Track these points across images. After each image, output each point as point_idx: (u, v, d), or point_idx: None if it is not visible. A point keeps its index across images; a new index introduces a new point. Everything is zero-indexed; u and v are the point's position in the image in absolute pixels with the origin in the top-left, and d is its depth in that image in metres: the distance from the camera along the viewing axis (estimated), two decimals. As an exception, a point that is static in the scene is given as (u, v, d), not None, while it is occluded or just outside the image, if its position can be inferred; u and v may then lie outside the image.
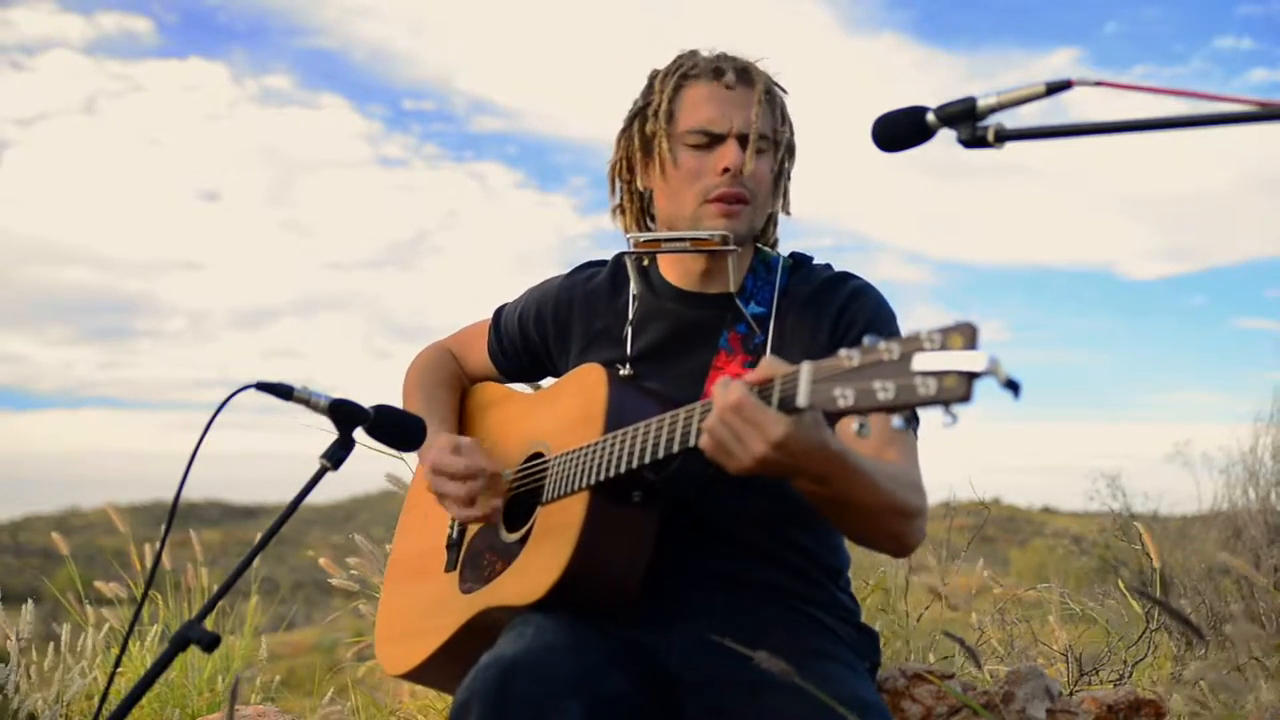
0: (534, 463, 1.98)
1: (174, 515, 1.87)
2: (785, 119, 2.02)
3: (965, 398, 1.21)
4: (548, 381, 2.25)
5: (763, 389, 1.47)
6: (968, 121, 1.38)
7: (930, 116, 1.42)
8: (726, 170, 1.92)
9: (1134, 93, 1.31)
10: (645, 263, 2.10)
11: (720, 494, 1.87)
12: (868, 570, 3.40)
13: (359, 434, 1.82)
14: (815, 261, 2.07)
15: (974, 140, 1.38)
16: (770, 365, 1.48)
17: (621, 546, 1.80)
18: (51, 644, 3.86)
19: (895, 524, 1.72)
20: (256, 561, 1.88)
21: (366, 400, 1.84)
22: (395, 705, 3.55)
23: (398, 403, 2.33)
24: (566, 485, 1.83)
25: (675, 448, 1.64)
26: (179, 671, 3.69)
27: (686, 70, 1.99)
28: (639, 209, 2.09)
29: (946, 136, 1.42)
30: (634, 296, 2.08)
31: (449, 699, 3.14)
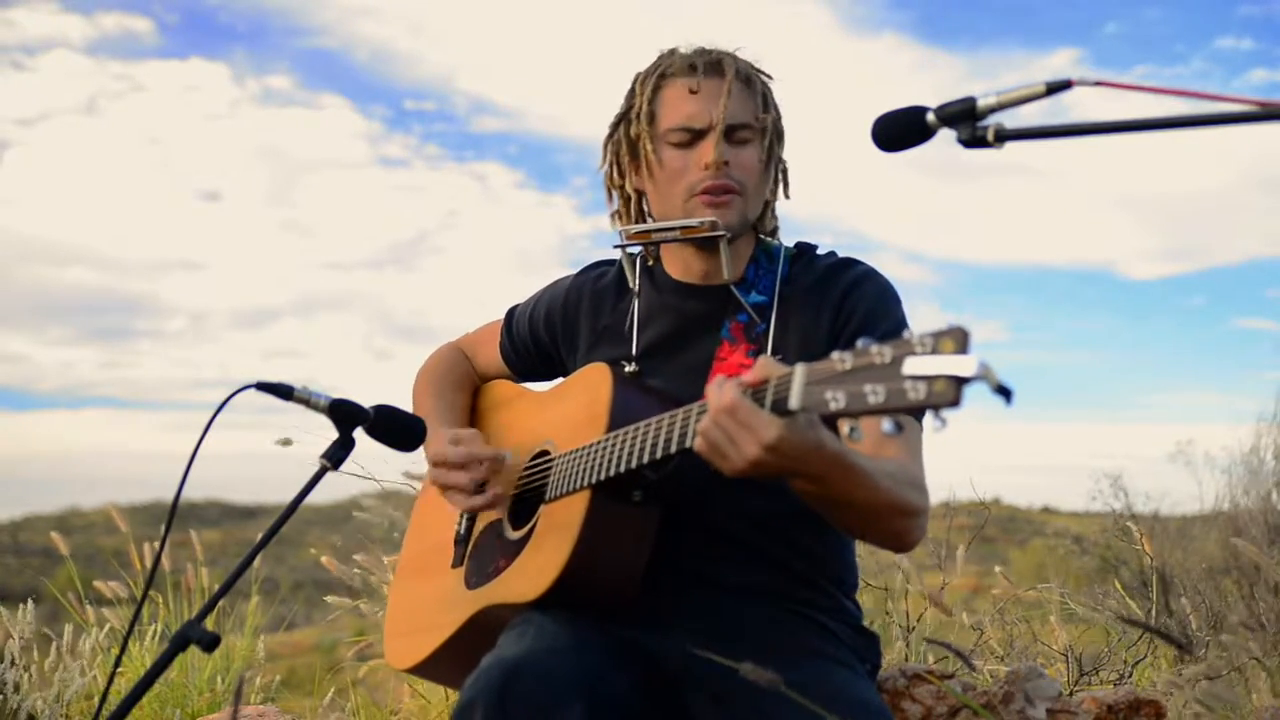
0: (539, 461, 1.99)
1: (174, 515, 1.87)
2: (768, 104, 2.00)
3: (954, 402, 1.21)
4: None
5: (756, 391, 1.47)
6: (968, 121, 1.38)
7: (930, 116, 1.42)
8: (709, 165, 1.92)
9: (1134, 93, 1.31)
10: (650, 261, 2.10)
11: (722, 495, 1.87)
12: (870, 573, 3.40)
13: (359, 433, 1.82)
14: (820, 250, 2.07)
15: (974, 140, 1.38)
16: (765, 366, 1.48)
17: (622, 545, 1.80)
18: (53, 644, 3.86)
19: (895, 522, 1.72)
20: (256, 561, 1.88)
21: (367, 400, 1.85)
22: (395, 705, 3.55)
23: (401, 402, 2.34)
24: (569, 484, 1.84)
25: (673, 448, 1.64)
26: (179, 671, 3.69)
27: (664, 70, 1.99)
28: (635, 211, 2.09)
29: (946, 136, 1.41)
30: (635, 293, 2.08)
31: (449, 699, 3.15)
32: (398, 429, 1.90)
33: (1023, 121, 1.36)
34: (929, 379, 1.22)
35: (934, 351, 1.23)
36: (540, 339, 2.22)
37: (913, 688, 2.20)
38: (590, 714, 1.60)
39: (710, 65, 1.96)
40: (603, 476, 1.76)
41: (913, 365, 1.24)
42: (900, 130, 1.46)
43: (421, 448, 2.10)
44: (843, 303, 1.94)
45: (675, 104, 1.96)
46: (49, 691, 3.56)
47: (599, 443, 1.80)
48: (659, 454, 1.67)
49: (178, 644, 1.61)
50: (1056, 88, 1.34)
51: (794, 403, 1.37)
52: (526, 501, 1.99)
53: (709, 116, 1.93)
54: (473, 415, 2.33)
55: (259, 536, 1.78)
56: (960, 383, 1.21)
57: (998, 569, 3.55)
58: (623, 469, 1.73)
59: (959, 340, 1.23)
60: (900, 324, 1.94)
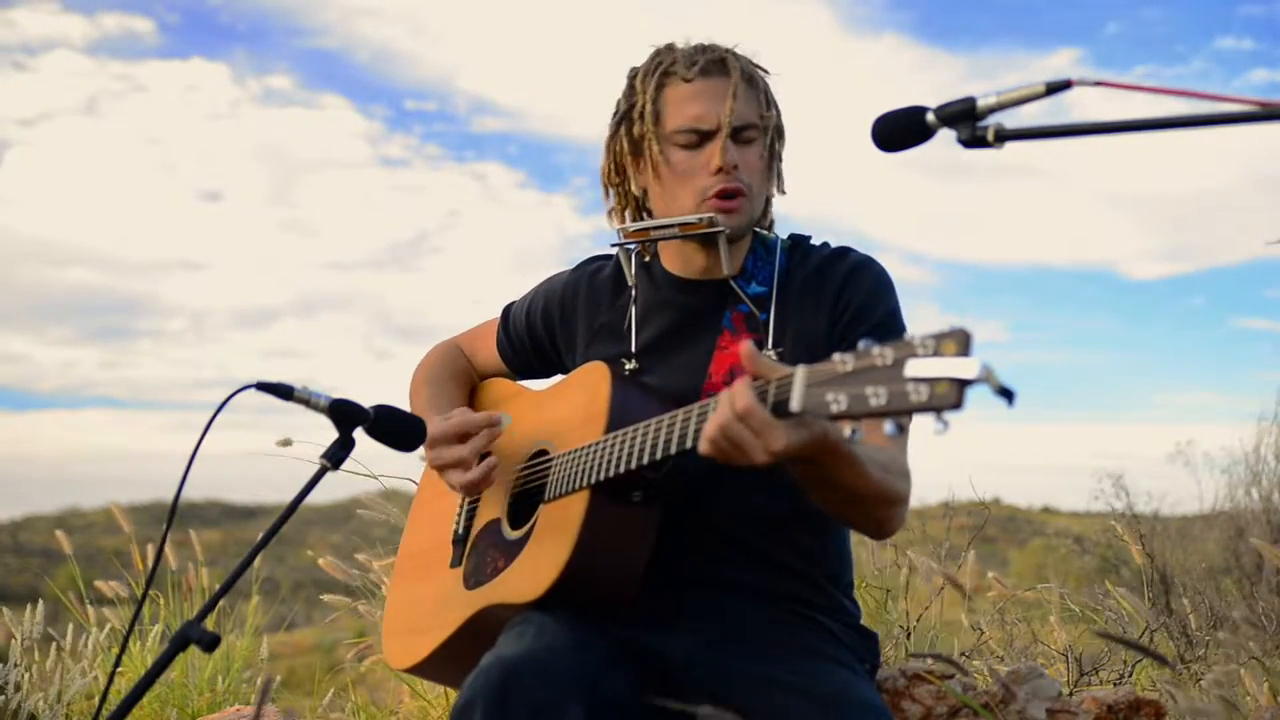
0: (538, 460, 1.99)
1: (174, 515, 1.87)
2: (770, 101, 2.00)
3: (956, 405, 1.21)
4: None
5: (759, 391, 1.47)
6: (967, 121, 1.38)
7: (930, 116, 1.42)
8: (720, 170, 1.92)
9: (1134, 93, 1.31)
10: (647, 258, 2.10)
11: (722, 495, 1.87)
12: (871, 573, 3.40)
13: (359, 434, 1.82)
14: (813, 241, 2.06)
15: (974, 140, 1.38)
16: (767, 367, 1.48)
17: (621, 545, 1.80)
18: (53, 644, 3.86)
19: (879, 510, 1.73)
20: (256, 561, 1.88)
21: (367, 400, 1.84)
22: (395, 705, 3.55)
23: (400, 401, 2.34)
24: (568, 484, 1.84)
25: (673, 449, 1.64)
26: (179, 671, 3.70)
27: (666, 68, 1.97)
28: (634, 210, 2.08)
29: (946, 136, 1.41)
30: (633, 290, 2.08)
31: (449, 699, 3.14)
32: (398, 429, 1.90)
33: (1023, 121, 1.36)
34: (931, 381, 1.22)
35: (936, 353, 1.23)
36: (537, 335, 2.22)
37: (913, 688, 2.20)
38: (590, 714, 1.60)
39: (714, 64, 1.95)
40: (602, 477, 1.76)
41: (915, 367, 1.24)
42: (900, 130, 1.46)
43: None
44: (840, 292, 1.94)
45: (680, 104, 1.95)
46: (49, 691, 3.56)
47: (598, 443, 1.80)
48: (659, 454, 1.67)
49: (178, 644, 1.61)
50: (1056, 88, 1.33)
51: (795, 405, 1.37)
52: (525, 501, 1.99)
53: (716, 117, 1.92)
54: None
55: (259, 536, 1.78)
56: (962, 385, 1.21)
57: (990, 574, 3.54)
58: (622, 469, 1.73)
59: (961, 342, 1.23)
60: (894, 312, 1.95)
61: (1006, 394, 1.20)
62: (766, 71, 2.02)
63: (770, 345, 1.93)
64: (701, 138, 1.94)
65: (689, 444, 1.61)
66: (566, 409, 1.99)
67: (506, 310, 2.31)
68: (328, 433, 1.81)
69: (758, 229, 2.05)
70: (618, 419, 1.81)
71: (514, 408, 2.22)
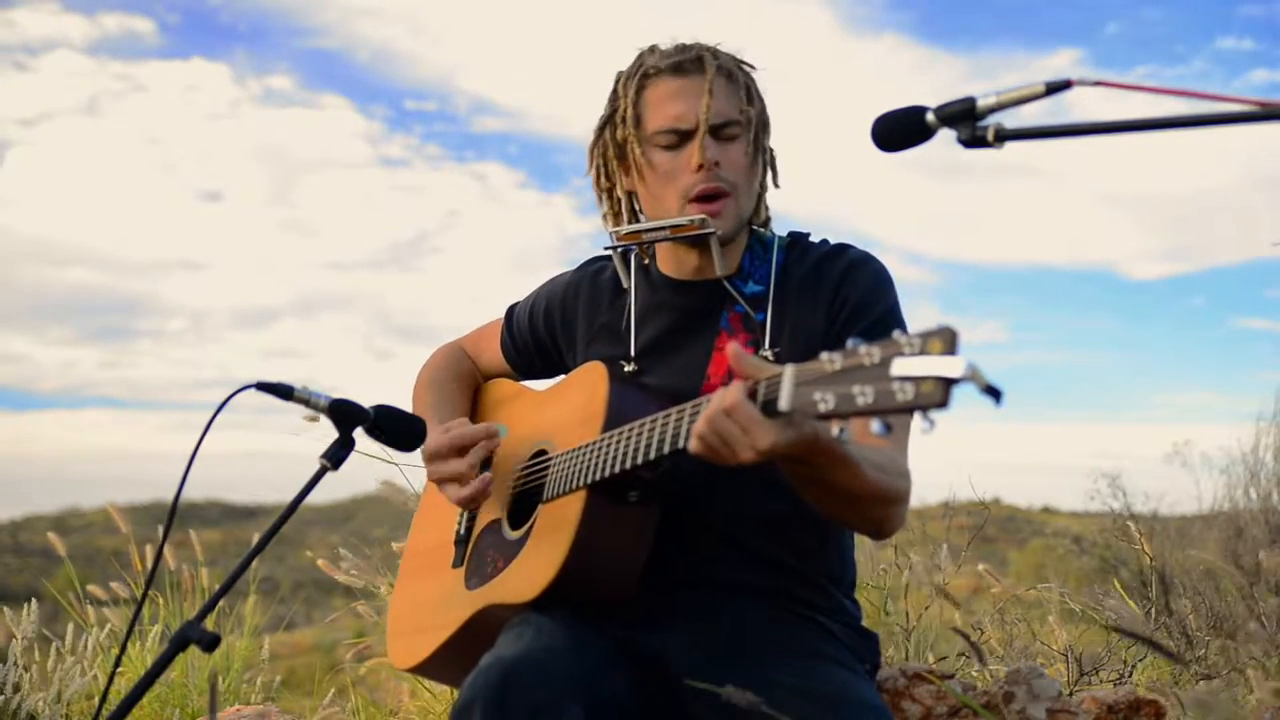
0: (537, 460, 1.99)
1: (174, 515, 1.87)
2: (752, 96, 1.99)
3: (942, 404, 1.20)
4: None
5: (748, 390, 1.47)
6: (967, 121, 1.38)
7: (930, 116, 1.42)
8: (701, 167, 1.92)
9: (1134, 93, 1.31)
10: (645, 261, 2.10)
11: (721, 495, 1.87)
12: (870, 573, 3.40)
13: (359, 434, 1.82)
14: (812, 239, 2.06)
15: (974, 140, 1.38)
16: (756, 367, 1.48)
17: (618, 545, 1.80)
18: (53, 644, 3.86)
19: (877, 510, 1.72)
20: (256, 561, 1.88)
21: (367, 400, 1.85)
22: (395, 705, 3.55)
23: (402, 403, 2.34)
24: (566, 484, 1.84)
25: (667, 448, 1.64)
26: (179, 671, 3.69)
27: (646, 70, 1.97)
28: (627, 213, 2.08)
29: (946, 136, 1.41)
30: (631, 292, 2.08)
31: (449, 700, 3.14)
32: (398, 429, 1.90)
33: (1023, 121, 1.36)
34: (917, 380, 1.22)
35: (922, 352, 1.23)
36: (540, 335, 2.22)
37: (913, 688, 2.20)
38: (589, 714, 1.60)
39: (690, 62, 1.95)
40: (599, 477, 1.76)
41: (901, 366, 1.24)
42: (900, 130, 1.46)
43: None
44: (838, 289, 1.93)
45: (659, 105, 1.95)
46: (49, 691, 3.56)
47: (595, 443, 1.80)
48: (653, 454, 1.67)
49: (178, 644, 1.61)
50: (1056, 88, 1.33)
51: (784, 404, 1.37)
52: (525, 501, 1.99)
53: (694, 117, 1.92)
54: (473, 414, 2.33)
55: (259, 536, 1.78)
56: (948, 384, 1.20)
57: (981, 566, 3.54)
58: (618, 469, 1.73)
59: (947, 341, 1.22)
60: (893, 309, 1.94)
61: (993, 392, 1.20)
62: (752, 67, 2.01)
63: (767, 346, 1.93)
64: (681, 137, 1.93)
65: (682, 443, 1.61)
66: (565, 409, 1.99)
67: (510, 310, 2.32)
68: (328, 433, 1.81)
69: (754, 227, 2.05)
70: (615, 419, 1.81)
71: (515, 408, 2.22)
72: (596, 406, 1.86)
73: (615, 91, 2.02)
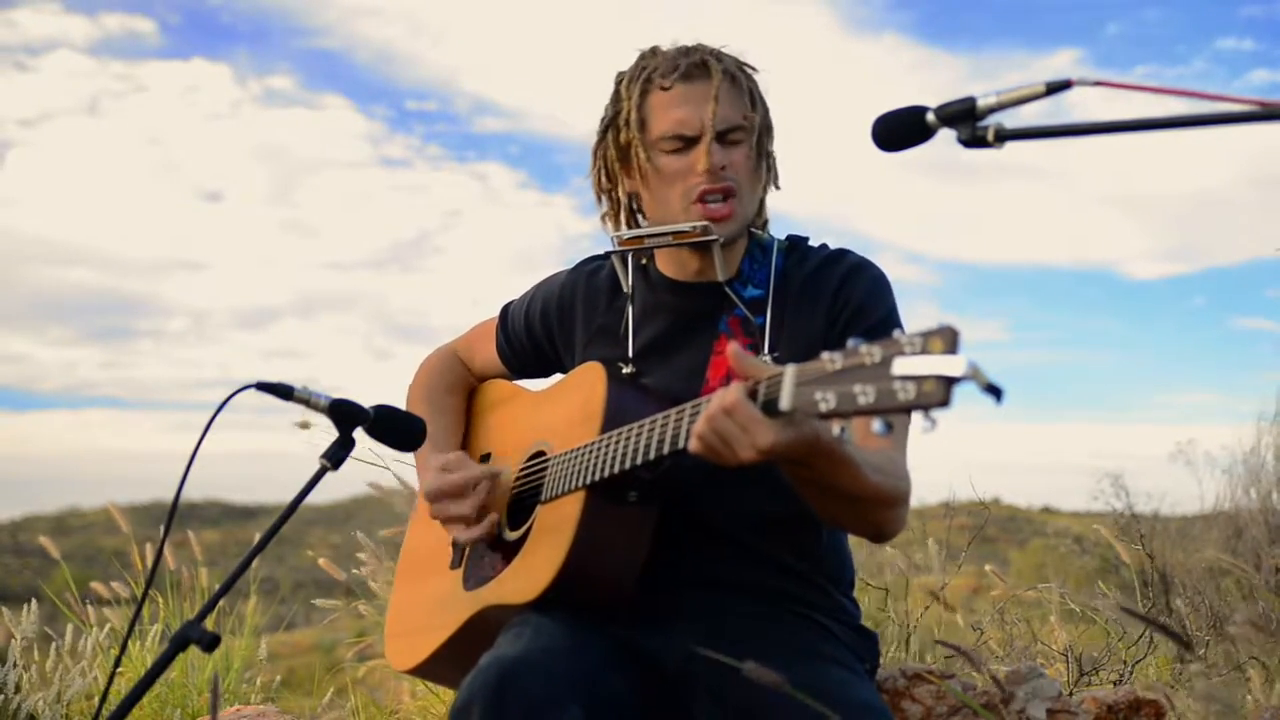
0: (535, 461, 1.99)
1: (174, 515, 1.86)
2: (755, 100, 1.99)
3: (944, 403, 1.20)
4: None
5: (749, 390, 1.47)
6: (967, 121, 1.38)
7: (930, 116, 1.42)
8: (707, 172, 1.91)
9: (1134, 93, 1.31)
10: (644, 261, 2.10)
11: (721, 495, 1.87)
12: (870, 573, 3.40)
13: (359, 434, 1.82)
14: (810, 243, 2.06)
15: (974, 140, 1.38)
16: (756, 367, 1.48)
17: (618, 546, 1.80)
18: (53, 644, 3.86)
19: (876, 512, 1.72)
20: (256, 561, 1.88)
21: (367, 400, 1.84)
22: (395, 705, 3.55)
23: (402, 403, 2.33)
24: (564, 484, 1.84)
25: (666, 448, 1.64)
26: (179, 671, 3.69)
27: (650, 73, 1.97)
28: (627, 214, 2.08)
29: (946, 136, 1.41)
30: (629, 295, 2.08)
31: (449, 699, 3.14)
32: (398, 429, 1.90)
33: (1023, 121, 1.36)
34: (918, 379, 1.22)
35: (923, 351, 1.23)
36: (536, 335, 2.22)
37: (913, 688, 2.20)
38: (588, 714, 1.60)
39: (696, 67, 1.94)
40: (597, 477, 1.76)
41: (902, 365, 1.24)
42: (900, 130, 1.46)
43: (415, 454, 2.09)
44: (837, 294, 1.93)
45: (664, 110, 1.94)
46: (49, 691, 3.56)
47: (593, 443, 1.80)
48: (652, 454, 1.67)
49: (178, 644, 1.61)
50: (1056, 88, 1.33)
51: (784, 404, 1.37)
52: (523, 502, 1.99)
53: (699, 122, 1.92)
54: (469, 417, 2.33)
55: (259, 536, 1.78)
56: (949, 383, 1.20)
57: (988, 567, 3.54)
58: (617, 469, 1.73)
59: (948, 340, 1.22)
60: (891, 313, 1.94)
61: (994, 391, 1.20)
62: (754, 69, 2.01)
63: (766, 350, 1.93)
64: (686, 143, 1.93)
65: (681, 443, 1.60)
66: (563, 409, 1.99)
67: (505, 310, 2.31)
68: (329, 433, 1.81)
69: (753, 230, 2.05)
70: (613, 419, 1.81)
71: (512, 409, 2.22)
72: (595, 407, 1.86)
73: (618, 94, 2.01)
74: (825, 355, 1.33)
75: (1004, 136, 1.36)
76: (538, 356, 2.23)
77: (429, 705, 3.31)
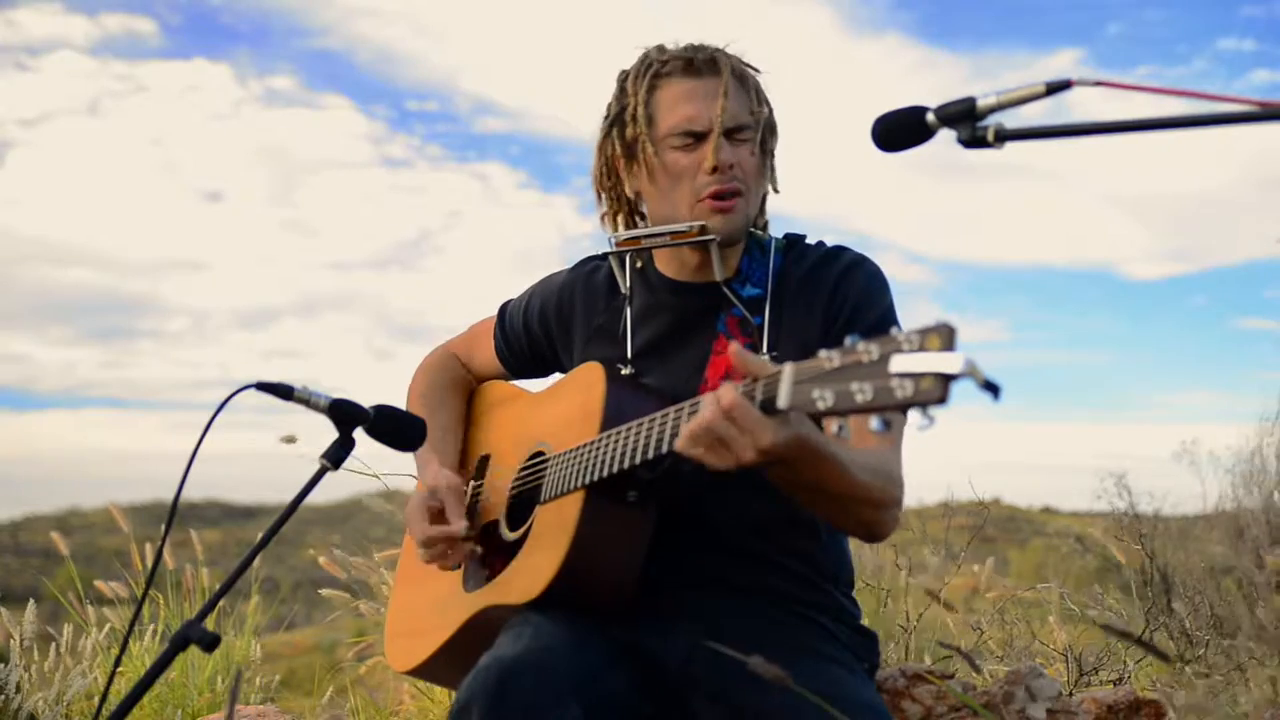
0: (535, 461, 1.98)
1: (174, 515, 1.86)
2: (761, 99, 1.99)
3: (941, 400, 1.21)
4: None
5: (745, 388, 1.47)
6: (968, 121, 1.38)
7: (930, 116, 1.42)
8: (715, 169, 1.92)
9: (1134, 93, 1.31)
10: (639, 263, 2.09)
11: (721, 496, 1.87)
12: (870, 573, 3.39)
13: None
14: (808, 241, 2.06)
15: (974, 140, 1.38)
16: (758, 365, 1.48)
17: (617, 546, 1.80)
18: (53, 644, 3.86)
19: (866, 513, 1.72)
20: (256, 561, 1.88)
21: (367, 400, 1.84)
22: (395, 706, 3.55)
23: (402, 403, 2.33)
24: (563, 485, 1.83)
25: (665, 447, 1.64)
26: (179, 671, 3.69)
27: (657, 69, 1.97)
28: (628, 213, 2.08)
29: (947, 136, 1.41)
30: (627, 294, 2.07)
31: (449, 699, 3.14)
32: (398, 429, 1.90)
33: (1023, 121, 1.36)
34: (915, 376, 1.22)
35: (920, 348, 1.23)
36: (534, 335, 2.22)
37: (913, 688, 2.20)
38: (588, 713, 1.60)
39: (705, 63, 1.95)
40: (596, 477, 1.76)
41: (899, 363, 1.24)
42: (901, 130, 1.46)
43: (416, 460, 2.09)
44: (835, 291, 1.94)
45: (673, 105, 1.94)
46: (49, 691, 3.56)
47: (592, 443, 1.80)
48: (651, 454, 1.66)
49: (178, 644, 1.61)
50: (1056, 88, 1.33)
51: (782, 402, 1.37)
52: (523, 502, 1.99)
53: (708, 118, 1.92)
54: (468, 418, 2.33)
55: (259, 536, 1.78)
56: (947, 380, 1.20)
57: (989, 560, 3.53)
58: (616, 469, 1.72)
59: (945, 337, 1.22)
60: (888, 311, 1.95)
61: (992, 388, 1.20)
62: (757, 70, 2.02)
63: (765, 350, 1.93)
64: (695, 139, 1.93)
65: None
66: (563, 409, 1.98)
67: (503, 310, 2.31)
68: (329, 433, 1.81)
69: (752, 229, 2.05)
70: (612, 418, 1.81)
71: (511, 410, 2.22)
72: (594, 406, 1.85)
73: (623, 90, 2.01)
74: (823, 353, 1.33)
75: (1004, 137, 1.36)
76: (536, 356, 2.23)
77: (429, 705, 3.31)
